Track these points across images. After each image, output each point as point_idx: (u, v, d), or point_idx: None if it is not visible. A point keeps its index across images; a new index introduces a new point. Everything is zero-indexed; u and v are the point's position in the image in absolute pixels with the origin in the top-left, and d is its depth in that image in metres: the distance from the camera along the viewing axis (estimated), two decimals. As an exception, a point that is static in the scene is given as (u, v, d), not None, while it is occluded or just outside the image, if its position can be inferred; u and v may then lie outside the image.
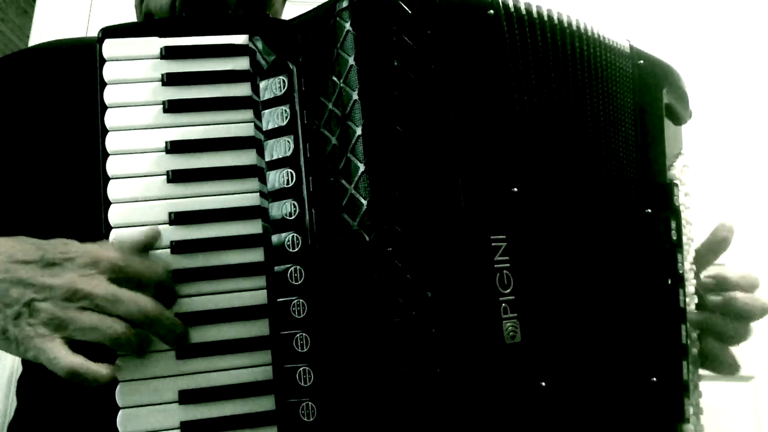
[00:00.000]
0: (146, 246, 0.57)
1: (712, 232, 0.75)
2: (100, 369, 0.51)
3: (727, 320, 0.70)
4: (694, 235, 0.74)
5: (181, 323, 0.55)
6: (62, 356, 0.50)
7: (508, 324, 0.55)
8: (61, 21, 1.76)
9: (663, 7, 1.79)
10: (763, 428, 1.55)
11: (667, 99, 0.74)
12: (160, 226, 0.59)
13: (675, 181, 0.71)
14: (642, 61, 0.73)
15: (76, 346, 0.52)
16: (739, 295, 0.70)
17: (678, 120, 0.79)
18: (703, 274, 0.74)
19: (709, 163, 1.57)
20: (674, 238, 0.69)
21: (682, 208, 0.71)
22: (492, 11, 0.61)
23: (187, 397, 0.56)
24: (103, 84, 0.61)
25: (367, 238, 0.54)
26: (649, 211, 0.68)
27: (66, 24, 1.75)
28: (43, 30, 1.76)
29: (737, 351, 0.72)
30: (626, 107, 0.70)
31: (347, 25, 0.57)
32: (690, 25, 1.77)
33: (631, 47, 0.73)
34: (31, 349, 0.51)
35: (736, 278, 0.72)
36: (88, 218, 0.60)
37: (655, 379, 0.64)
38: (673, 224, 0.69)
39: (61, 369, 0.50)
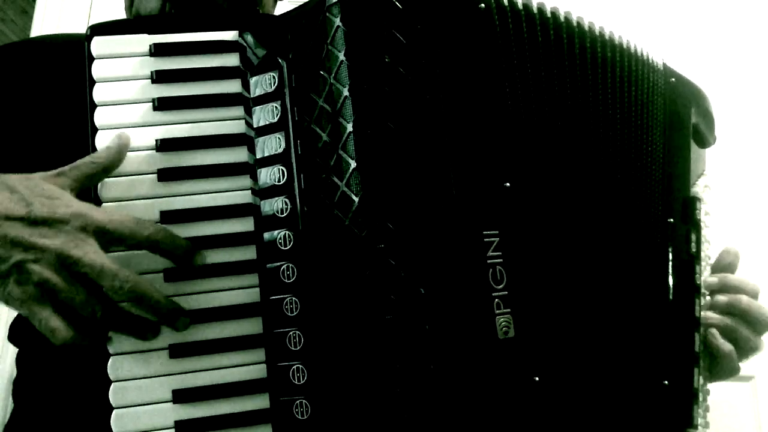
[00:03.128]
0: (124, 149, 0.57)
1: (717, 257, 0.76)
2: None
3: (739, 322, 0.70)
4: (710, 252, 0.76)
5: (166, 301, 0.54)
6: (59, 327, 0.51)
7: (501, 319, 0.55)
8: (61, 21, 1.75)
9: (691, 33, 1.78)
10: (763, 428, 1.54)
11: (694, 119, 0.75)
12: None
13: (698, 197, 0.72)
14: (674, 79, 0.74)
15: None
16: (744, 297, 0.71)
17: (703, 143, 0.79)
18: (709, 275, 0.74)
19: (730, 185, 1.55)
20: (693, 250, 0.69)
21: (702, 225, 0.72)
22: (483, 5, 0.60)
23: (181, 397, 0.56)
24: (92, 82, 0.60)
25: (359, 235, 0.54)
26: (671, 220, 0.68)
27: (66, 24, 1.75)
28: (43, 30, 1.75)
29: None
30: (656, 117, 0.70)
31: (337, 21, 0.56)
32: (716, 52, 1.76)
33: (665, 65, 0.75)
34: (23, 309, 0.51)
35: (737, 281, 0.72)
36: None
37: (667, 382, 0.64)
38: (693, 237, 0.70)
39: (57, 340, 0.51)
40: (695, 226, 0.71)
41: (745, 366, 0.72)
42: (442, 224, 0.55)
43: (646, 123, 0.69)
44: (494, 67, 0.60)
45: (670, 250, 0.68)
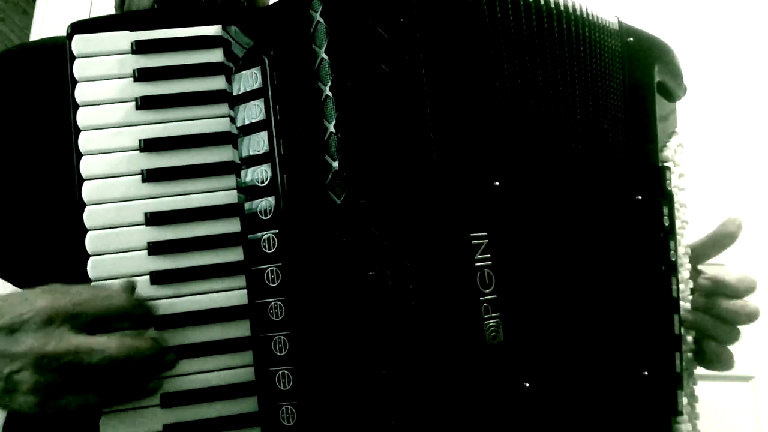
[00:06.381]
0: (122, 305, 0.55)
1: (719, 225, 0.71)
2: None
3: (717, 322, 0.68)
4: (689, 217, 0.71)
5: (151, 346, 0.54)
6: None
7: (490, 324, 0.54)
8: (61, 21, 1.75)
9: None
10: (763, 428, 1.52)
11: (659, 77, 0.71)
12: (136, 227, 0.58)
13: (667, 164, 0.68)
14: (631, 39, 0.69)
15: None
16: (722, 301, 0.67)
17: (671, 97, 0.75)
18: (701, 276, 0.70)
19: (705, 141, 1.51)
20: (666, 224, 0.66)
21: (675, 190, 0.68)
22: (472, -6, 0.58)
23: (169, 400, 0.56)
24: (74, 82, 0.59)
25: (342, 240, 0.52)
26: (640, 197, 0.65)
27: (66, 24, 1.74)
28: (43, 30, 1.75)
29: (736, 349, 0.70)
30: (616, 88, 0.67)
31: (318, 15, 0.54)
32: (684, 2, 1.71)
33: (620, 24, 0.70)
34: (50, 412, 0.51)
35: (735, 281, 0.68)
36: (64, 219, 0.59)
37: (647, 372, 0.62)
38: (666, 210, 0.66)
39: None
40: (666, 197, 0.67)
41: (745, 366, 0.70)
42: (429, 228, 0.53)
43: (609, 97, 0.66)
44: (485, 61, 0.57)
45: (640, 229, 0.65)
